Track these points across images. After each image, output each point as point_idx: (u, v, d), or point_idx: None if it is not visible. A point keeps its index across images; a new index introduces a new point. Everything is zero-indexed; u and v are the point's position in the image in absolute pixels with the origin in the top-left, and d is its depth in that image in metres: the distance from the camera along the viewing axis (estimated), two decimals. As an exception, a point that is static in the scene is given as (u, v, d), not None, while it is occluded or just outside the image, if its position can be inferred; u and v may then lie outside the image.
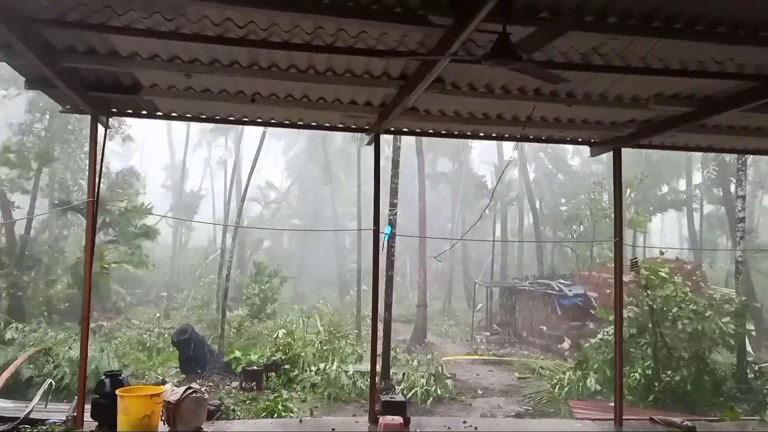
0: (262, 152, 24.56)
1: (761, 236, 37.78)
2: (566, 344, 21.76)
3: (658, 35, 5.02)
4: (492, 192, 25.02)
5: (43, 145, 20.07)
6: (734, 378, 14.52)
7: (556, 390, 14.92)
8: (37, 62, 5.75)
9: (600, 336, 15.31)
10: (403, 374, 15.73)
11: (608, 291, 20.73)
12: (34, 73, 6.68)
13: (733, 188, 25.24)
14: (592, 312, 22.18)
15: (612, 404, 9.56)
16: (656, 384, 13.56)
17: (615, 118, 8.03)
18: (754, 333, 17.69)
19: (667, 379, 13.63)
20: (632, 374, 13.75)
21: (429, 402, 14.64)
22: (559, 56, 5.72)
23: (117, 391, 7.10)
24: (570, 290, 23.68)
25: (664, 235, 55.46)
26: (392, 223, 16.54)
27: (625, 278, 12.36)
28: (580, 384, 14.75)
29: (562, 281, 25.17)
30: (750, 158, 23.79)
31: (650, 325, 13.93)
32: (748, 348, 15.59)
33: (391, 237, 15.77)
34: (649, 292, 14.00)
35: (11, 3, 4.83)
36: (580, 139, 9.44)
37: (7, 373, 12.21)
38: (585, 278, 25.44)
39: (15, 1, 4.84)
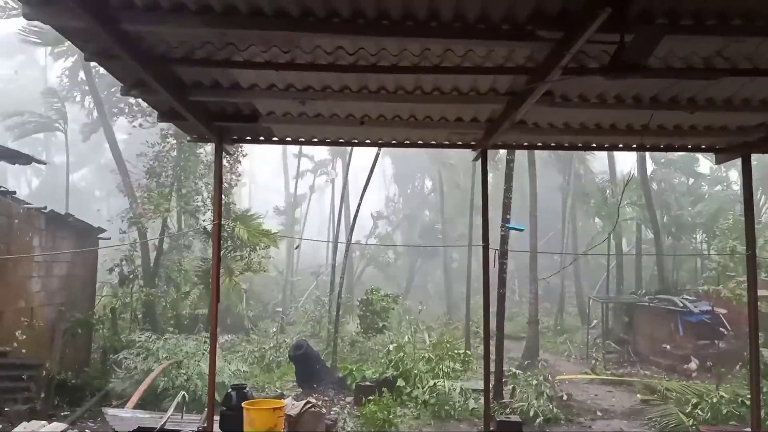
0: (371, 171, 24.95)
1: None
2: (693, 364, 20.27)
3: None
4: (617, 209, 23.88)
5: (175, 167, 21.43)
6: None
7: (695, 412, 13.86)
8: (168, 97, 6.22)
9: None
10: (517, 392, 15.33)
11: (738, 310, 19.18)
12: (165, 107, 7.27)
13: None
14: (723, 330, 20.62)
15: (748, 430, 8.83)
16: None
17: (742, 123, 7.48)
18: None
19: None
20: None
21: (546, 423, 14.16)
22: (678, 61, 5.45)
23: (243, 404, 7.51)
24: (696, 306, 22.10)
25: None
26: (505, 240, 16.28)
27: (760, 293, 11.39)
28: (719, 407, 13.69)
29: (686, 297, 23.53)
30: None
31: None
32: None
33: (503, 254, 15.50)
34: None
35: (145, 44, 5.31)
36: (703, 146, 8.84)
37: (143, 386, 13.19)
38: (711, 293, 23.63)
39: (148, 43, 5.31)
